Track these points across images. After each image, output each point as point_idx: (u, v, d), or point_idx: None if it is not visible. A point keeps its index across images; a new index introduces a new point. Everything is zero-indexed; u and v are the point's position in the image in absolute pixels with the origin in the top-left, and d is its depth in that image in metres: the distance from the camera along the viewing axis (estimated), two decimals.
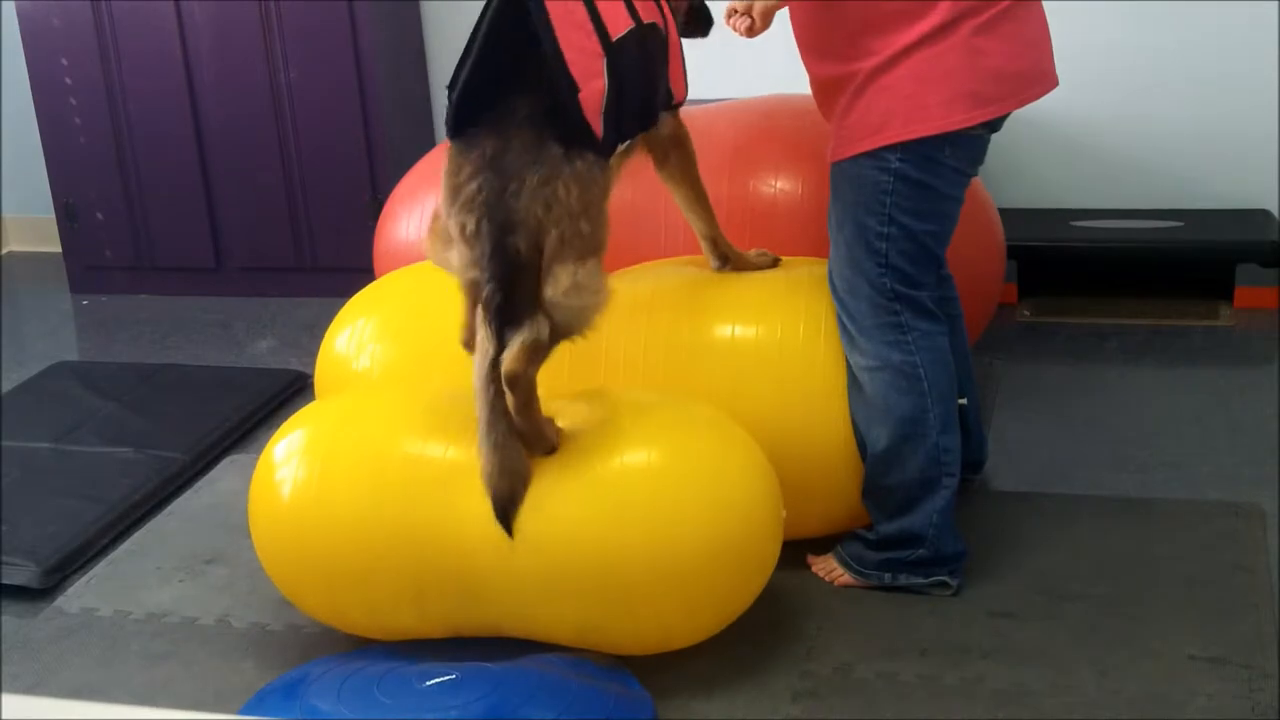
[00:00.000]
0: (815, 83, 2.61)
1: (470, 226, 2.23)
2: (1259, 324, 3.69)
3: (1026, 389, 3.43)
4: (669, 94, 2.54)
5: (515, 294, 2.22)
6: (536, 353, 2.25)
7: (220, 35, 4.23)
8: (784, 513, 2.39)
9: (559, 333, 2.27)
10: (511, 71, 2.27)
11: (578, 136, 2.25)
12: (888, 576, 2.60)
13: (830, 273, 2.58)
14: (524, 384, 2.25)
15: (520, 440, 2.27)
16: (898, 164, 2.44)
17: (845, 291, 2.54)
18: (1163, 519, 2.81)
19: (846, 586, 2.63)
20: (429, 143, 4.40)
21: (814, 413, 2.56)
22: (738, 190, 2.97)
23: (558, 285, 2.23)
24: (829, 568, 2.65)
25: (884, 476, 2.55)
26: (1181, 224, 3.88)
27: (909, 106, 2.41)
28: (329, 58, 4.17)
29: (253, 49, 4.21)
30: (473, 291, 2.30)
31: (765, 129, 3.12)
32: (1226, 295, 3.79)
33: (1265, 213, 3.91)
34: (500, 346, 2.22)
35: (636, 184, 3.00)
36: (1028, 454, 3.08)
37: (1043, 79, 2.53)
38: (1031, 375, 3.53)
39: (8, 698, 1.32)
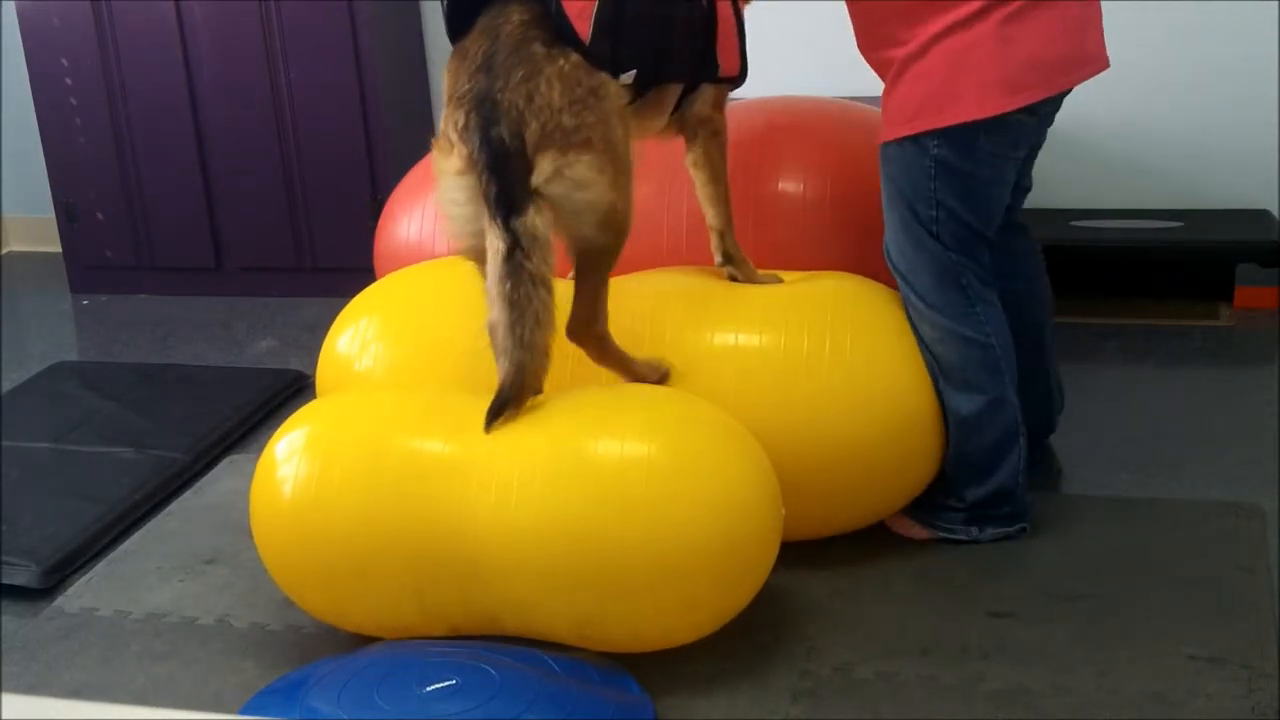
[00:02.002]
0: (869, 61, 2.69)
1: (461, 121, 2.36)
2: (1259, 324, 3.69)
3: None
4: (713, 64, 2.63)
5: (507, 181, 2.31)
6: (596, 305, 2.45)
7: (220, 35, 4.23)
8: (783, 511, 2.39)
9: (573, 239, 2.39)
10: None
11: (562, 36, 2.37)
12: (975, 530, 2.71)
13: (888, 252, 2.67)
14: (595, 338, 2.46)
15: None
16: (936, 150, 2.52)
17: (908, 270, 2.63)
18: (1163, 519, 2.81)
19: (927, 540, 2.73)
20: (429, 143, 4.38)
21: (815, 416, 2.56)
22: (743, 192, 2.96)
23: (540, 173, 2.33)
24: (908, 525, 2.75)
25: (968, 442, 2.64)
26: (1181, 224, 3.88)
27: (942, 95, 2.50)
28: (329, 58, 4.17)
29: (253, 49, 4.21)
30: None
31: (772, 131, 3.12)
32: (1226, 295, 3.79)
33: (1265, 213, 3.91)
34: (511, 238, 2.30)
35: (641, 183, 3.00)
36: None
37: (1084, 63, 2.58)
38: None
39: (8, 698, 1.32)
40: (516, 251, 2.29)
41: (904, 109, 2.54)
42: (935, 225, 2.57)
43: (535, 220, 2.30)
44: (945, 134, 2.50)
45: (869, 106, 3.24)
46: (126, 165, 4.44)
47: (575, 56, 2.38)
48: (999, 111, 2.48)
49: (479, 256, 2.42)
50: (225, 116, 4.31)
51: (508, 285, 2.30)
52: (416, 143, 4.28)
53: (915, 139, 2.53)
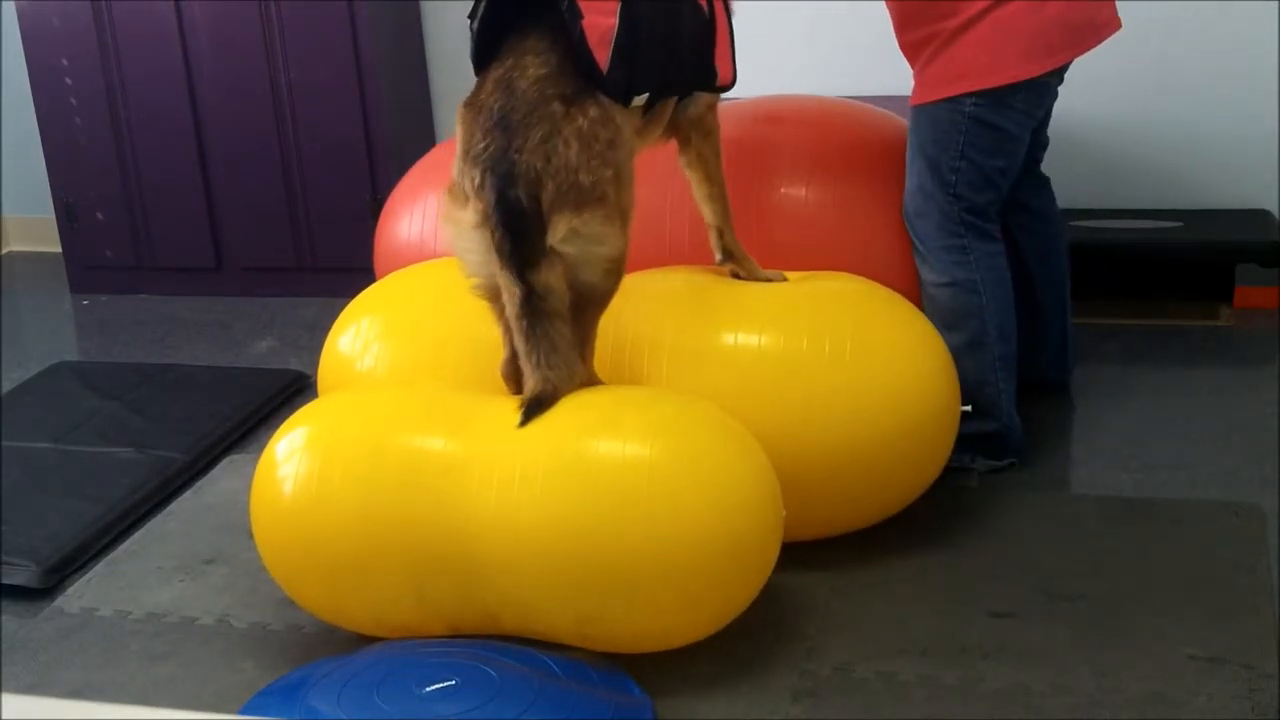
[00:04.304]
0: (903, 42, 2.93)
1: (477, 179, 2.39)
2: (1259, 324, 3.69)
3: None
4: (710, 71, 2.67)
5: (522, 239, 2.36)
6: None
7: (220, 35, 4.23)
8: (784, 511, 2.39)
9: (577, 284, 2.44)
10: (528, 3, 2.44)
11: (582, 69, 2.39)
12: (967, 458, 2.92)
13: (905, 199, 2.91)
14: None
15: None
16: (972, 108, 2.79)
17: (916, 215, 2.89)
18: (1163, 519, 2.81)
19: None
20: (429, 143, 4.40)
21: (815, 417, 2.56)
22: (744, 192, 2.96)
23: (555, 233, 2.39)
24: None
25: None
26: (1181, 224, 3.88)
27: (990, 59, 2.76)
28: (329, 58, 4.17)
29: (253, 49, 4.21)
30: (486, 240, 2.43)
31: (773, 130, 3.11)
32: (1226, 295, 3.78)
33: (1265, 213, 3.91)
34: (526, 287, 2.36)
35: (641, 183, 3.00)
36: (1028, 454, 3.08)
37: (1104, 25, 2.87)
38: None
39: (8, 698, 1.32)
40: (533, 297, 2.37)
41: (948, 72, 2.79)
42: (955, 176, 2.82)
43: (549, 275, 2.38)
44: (985, 93, 2.77)
45: (869, 105, 3.24)
46: (126, 165, 4.44)
47: (594, 111, 2.40)
48: (1041, 72, 2.78)
49: (490, 295, 2.49)
50: (225, 117, 4.31)
51: (525, 323, 2.39)
52: (416, 143, 4.30)
53: (953, 99, 2.79)
